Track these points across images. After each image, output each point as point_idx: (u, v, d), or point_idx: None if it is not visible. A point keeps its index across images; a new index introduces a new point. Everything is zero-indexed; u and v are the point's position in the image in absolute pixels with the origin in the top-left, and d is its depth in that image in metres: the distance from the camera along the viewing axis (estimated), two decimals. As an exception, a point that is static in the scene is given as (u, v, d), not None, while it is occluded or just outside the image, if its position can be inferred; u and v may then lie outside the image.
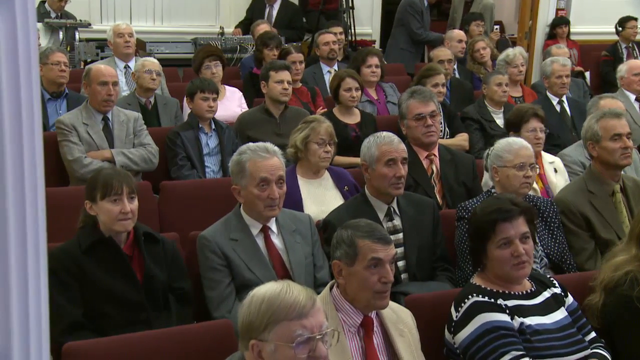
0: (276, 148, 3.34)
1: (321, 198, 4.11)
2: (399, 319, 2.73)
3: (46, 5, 7.51)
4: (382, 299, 2.62)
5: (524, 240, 2.84)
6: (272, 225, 3.32)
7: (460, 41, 7.53)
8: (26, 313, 1.00)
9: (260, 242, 3.26)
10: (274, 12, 8.46)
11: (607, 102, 5.00)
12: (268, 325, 1.99)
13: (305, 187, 4.13)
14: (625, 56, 8.68)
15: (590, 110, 5.07)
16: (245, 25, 8.25)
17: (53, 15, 7.50)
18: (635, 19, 8.99)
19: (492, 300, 2.79)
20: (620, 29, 8.97)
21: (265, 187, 3.20)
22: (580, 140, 4.70)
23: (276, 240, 3.30)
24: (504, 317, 2.75)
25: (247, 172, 3.22)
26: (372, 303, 2.62)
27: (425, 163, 4.33)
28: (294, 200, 3.98)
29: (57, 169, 4.72)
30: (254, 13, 8.38)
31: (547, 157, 4.64)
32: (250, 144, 3.38)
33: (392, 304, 2.74)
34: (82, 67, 6.78)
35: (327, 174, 4.24)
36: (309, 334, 1.99)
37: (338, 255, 2.65)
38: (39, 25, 7.03)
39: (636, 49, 8.94)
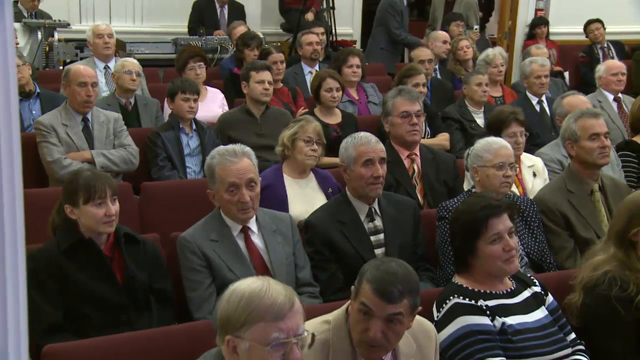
0: (247, 149, 3.29)
1: (307, 198, 4.09)
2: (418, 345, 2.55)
3: (19, 4, 7.41)
4: (366, 349, 2.41)
5: (511, 235, 2.87)
6: (252, 225, 3.30)
7: (444, 42, 7.54)
8: (4, 315, 1.00)
9: (240, 242, 3.25)
10: (226, 12, 8.50)
11: (569, 99, 5.04)
12: (245, 324, 1.96)
13: (291, 186, 4.13)
14: (601, 57, 8.76)
15: (557, 110, 5.11)
16: (196, 27, 8.19)
17: (26, 14, 7.41)
18: (598, 21, 9.04)
19: (473, 302, 2.80)
20: (585, 33, 9.06)
21: (235, 191, 3.17)
22: (557, 139, 4.72)
23: (257, 240, 3.29)
24: (484, 320, 2.77)
25: (216, 178, 3.20)
26: (360, 348, 2.43)
27: (406, 162, 4.34)
28: (279, 199, 3.97)
29: (35, 169, 4.68)
30: (205, 15, 8.37)
31: (526, 160, 4.61)
32: (220, 147, 3.34)
33: (418, 319, 2.53)
34: (61, 67, 6.73)
35: (312, 175, 4.23)
36: (285, 337, 1.96)
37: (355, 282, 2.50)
38: (17, 25, 6.96)
39: (612, 49, 9.02)
